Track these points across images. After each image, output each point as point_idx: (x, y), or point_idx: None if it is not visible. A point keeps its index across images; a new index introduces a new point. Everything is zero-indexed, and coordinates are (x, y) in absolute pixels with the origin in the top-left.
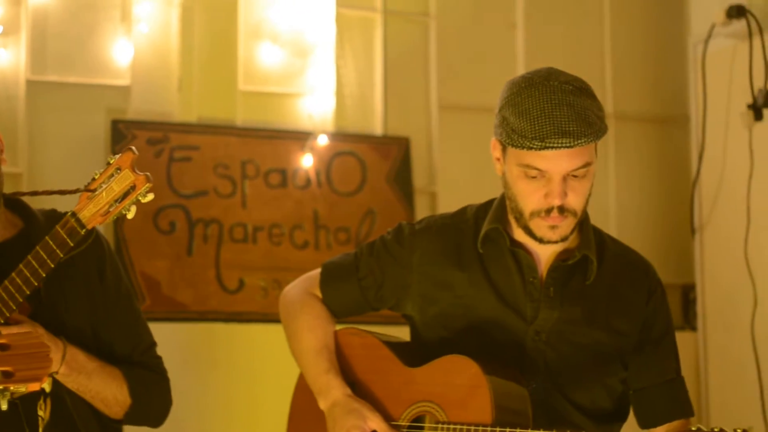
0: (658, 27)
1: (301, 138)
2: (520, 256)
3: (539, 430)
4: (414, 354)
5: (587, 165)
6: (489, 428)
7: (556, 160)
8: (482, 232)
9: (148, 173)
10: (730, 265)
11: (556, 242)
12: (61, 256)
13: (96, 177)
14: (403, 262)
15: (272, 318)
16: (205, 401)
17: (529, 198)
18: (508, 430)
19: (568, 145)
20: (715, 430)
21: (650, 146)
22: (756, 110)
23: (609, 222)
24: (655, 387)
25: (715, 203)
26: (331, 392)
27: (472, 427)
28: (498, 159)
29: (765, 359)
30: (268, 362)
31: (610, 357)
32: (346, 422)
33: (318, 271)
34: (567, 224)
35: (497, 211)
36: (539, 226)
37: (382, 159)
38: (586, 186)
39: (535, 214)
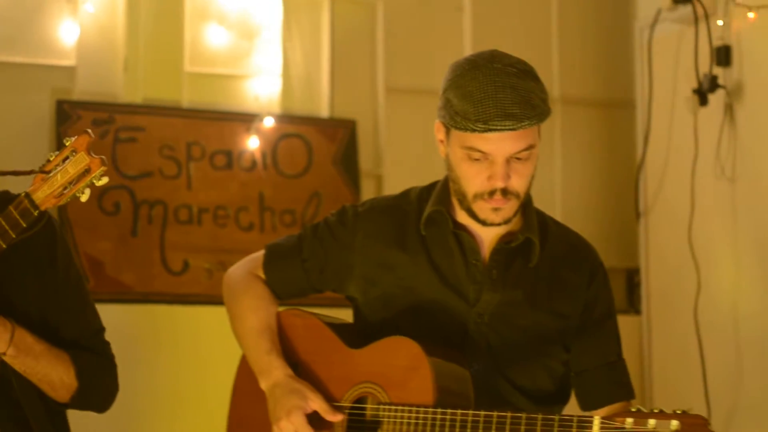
0: (605, 11)
1: (247, 120)
2: (462, 238)
3: (481, 411)
4: (357, 335)
5: (531, 147)
6: (431, 409)
7: (500, 143)
8: (425, 214)
9: (103, 157)
10: (674, 250)
11: (499, 224)
12: (13, 236)
13: (51, 158)
14: (346, 244)
15: (217, 300)
16: (149, 383)
17: (473, 180)
18: (449, 411)
19: (511, 127)
20: (655, 410)
21: (596, 130)
22: (701, 95)
23: (554, 205)
24: (596, 369)
25: (660, 188)
26: (273, 373)
27: (414, 408)
28: (441, 141)
29: (708, 343)
30: (212, 344)
31: (552, 339)
32: (287, 402)
33: (261, 252)
34: (510, 207)
35: (440, 194)
36: (482, 209)
37: (329, 141)
38: (530, 168)
39: (478, 197)
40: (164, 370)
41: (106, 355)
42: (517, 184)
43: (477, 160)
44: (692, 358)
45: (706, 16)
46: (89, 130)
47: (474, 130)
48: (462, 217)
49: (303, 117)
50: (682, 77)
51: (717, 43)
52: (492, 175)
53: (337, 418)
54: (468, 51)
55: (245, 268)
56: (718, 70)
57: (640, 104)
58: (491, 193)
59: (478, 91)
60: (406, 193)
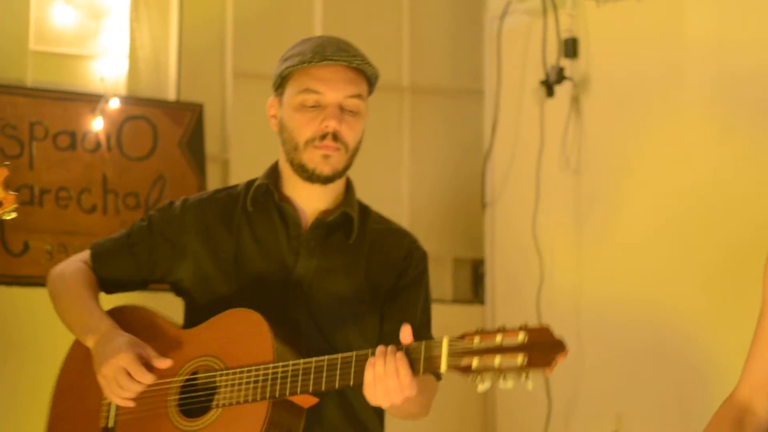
0: (456, 2)
1: (93, 101)
2: (286, 211)
3: (312, 359)
4: (188, 322)
5: (360, 96)
6: (270, 365)
7: (334, 82)
8: (252, 188)
9: (17, 193)
10: (518, 241)
11: (327, 176)
12: None
13: None
14: (176, 227)
15: None
16: None
17: (306, 127)
18: (281, 365)
19: (345, 59)
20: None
21: (445, 120)
22: (548, 87)
23: (401, 195)
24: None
25: (506, 179)
26: (100, 327)
27: (253, 368)
28: (274, 116)
29: None
30: (50, 326)
31: (366, 306)
32: (115, 344)
33: (87, 251)
34: (339, 156)
35: (269, 170)
36: (312, 157)
37: (175, 125)
38: (359, 124)
39: (309, 143)
40: (1, 351)
41: None
42: (348, 134)
43: (312, 107)
44: None
45: (555, 8)
46: (8, 163)
47: (311, 62)
48: (288, 188)
49: (149, 99)
50: (530, 68)
51: (565, 35)
52: (325, 117)
53: (165, 364)
54: None
55: (71, 261)
56: (565, 62)
57: (489, 94)
58: (323, 137)
59: (311, 42)
60: (235, 185)
